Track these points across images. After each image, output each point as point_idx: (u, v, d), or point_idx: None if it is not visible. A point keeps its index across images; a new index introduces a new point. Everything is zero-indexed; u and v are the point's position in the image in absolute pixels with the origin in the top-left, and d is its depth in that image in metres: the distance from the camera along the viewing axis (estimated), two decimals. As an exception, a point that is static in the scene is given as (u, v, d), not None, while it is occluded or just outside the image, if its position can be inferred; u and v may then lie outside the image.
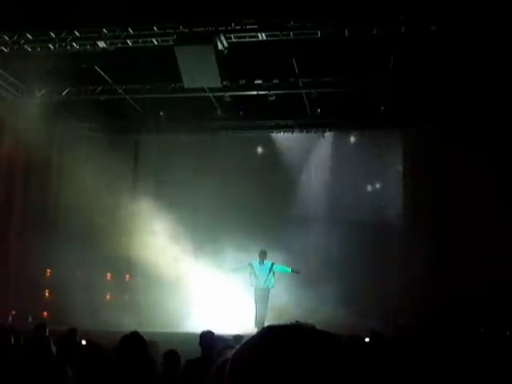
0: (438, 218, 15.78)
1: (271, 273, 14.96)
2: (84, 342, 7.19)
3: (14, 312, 15.52)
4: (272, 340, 1.18)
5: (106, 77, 15.44)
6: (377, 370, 3.30)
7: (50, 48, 13.78)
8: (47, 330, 8.02)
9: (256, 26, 12.90)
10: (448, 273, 15.19)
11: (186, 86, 14.04)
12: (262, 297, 14.85)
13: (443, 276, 15.19)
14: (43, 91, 15.82)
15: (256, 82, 15.36)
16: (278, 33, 12.90)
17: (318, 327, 1.25)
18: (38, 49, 13.86)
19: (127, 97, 16.50)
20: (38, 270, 16.25)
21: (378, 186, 17.33)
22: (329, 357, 1.16)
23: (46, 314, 16.28)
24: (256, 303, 14.90)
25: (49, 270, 16.98)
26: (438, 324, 13.46)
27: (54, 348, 6.63)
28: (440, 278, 15.21)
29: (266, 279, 14.91)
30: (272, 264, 15.09)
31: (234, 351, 1.21)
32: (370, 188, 17.35)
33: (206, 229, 17.18)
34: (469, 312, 14.19)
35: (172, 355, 5.40)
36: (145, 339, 4.27)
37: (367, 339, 5.99)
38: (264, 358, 1.14)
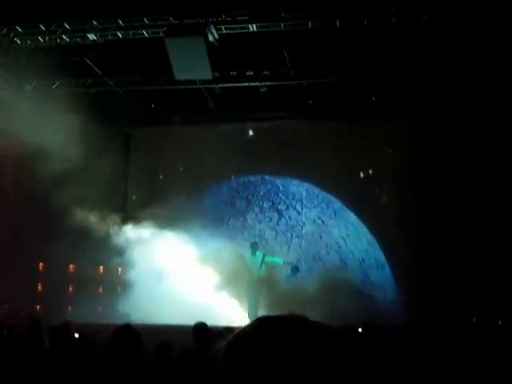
0: (425, 205, 15.83)
1: (263, 264, 15.02)
2: (77, 336, 7.18)
3: (6, 306, 15.49)
4: (264, 330, 1.18)
5: (96, 69, 15.38)
6: (370, 361, 3.30)
7: (39, 41, 13.72)
8: (40, 324, 8.01)
9: (247, 18, 12.87)
10: (439, 261, 15.22)
11: (176, 78, 14.00)
12: (255, 289, 14.89)
13: (434, 265, 15.22)
14: (34, 84, 15.75)
15: (247, 73, 15.33)
16: (269, 24, 12.88)
17: (312, 318, 1.24)
18: (28, 41, 13.80)
19: (118, 89, 16.45)
20: (30, 264, 16.22)
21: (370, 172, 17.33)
22: (321, 347, 1.16)
23: (38, 307, 16.26)
24: (248, 295, 14.95)
25: (42, 264, 16.96)
26: (431, 314, 13.50)
27: (47, 341, 6.63)
28: (431, 266, 15.24)
29: (258, 271, 14.96)
30: (263, 255, 15.16)
31: (226, 342, 1.21)
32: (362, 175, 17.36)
33: (200, 220, 17.20)
34: (461, 301, 14.25)
35: (164, 347, 5.40)
36: (138, 331, 4.27)
37: (360, 329, 6.01)
38: (256, 348, 1.14)
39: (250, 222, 17.73)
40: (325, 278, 15.63)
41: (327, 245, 17.20)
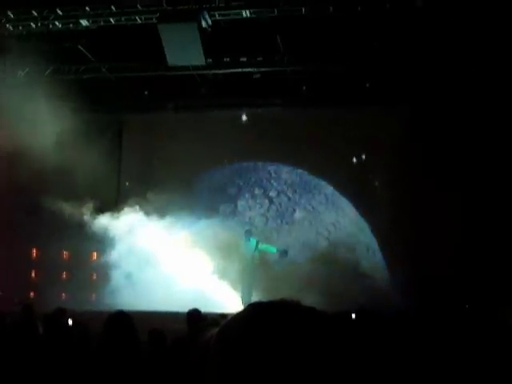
0: (419, 192, 15.87)
1: (256, 251, 15.06)
2: (71, 322, 7.18)
3: (-1, 293, 15.49)
4: (257, 316, 1.18)
5: (89, 56, 15.30)
6: (362, 347, 3.31)
7: (31, 27, 13.63)
8: (33, 311, 8.01)
9: (240, 3, 12.81)
10: (433, 247, 15.27)
11: (169, 64, 13.95)
12: (248, 275, 14.92)
13: (428, 251, 15.27)
14: (26, 70, 15.66)
15: (241, 59, 15.28)
16: (263, 10, 12.82)
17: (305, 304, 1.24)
18: (20, 28, 13.71)
19: (111, 76, 16.38)
20: (23, 251, 16.21)
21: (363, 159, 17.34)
22: (313, 333, 1.16)
23: (32, 294, 16.26)
24: (242, 281, 15.00)
25: (35, 251, 16.95)
26: (423, 300, 13.54)
27: (40, 328, 6.62)
28: (424, 252, 15.29)
29: (252, 257, 15.00)
30: (257, 242, 15.20)
31: (218, 328, 1.21)
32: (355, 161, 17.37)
33: (192, 206, 17.21)
34: (454, 287, 14.30)
35: (157, 334, 5.40)
36: (131, 318, 4.27)
37: (353, 315, 6.02)
38: (249, 333, 1.14)
39: (240, 208, 17.79)
40: (314, 265, 15.63)
41: (317, 231, 17.25)
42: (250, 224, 17.22)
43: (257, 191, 17.90)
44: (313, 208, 17.54)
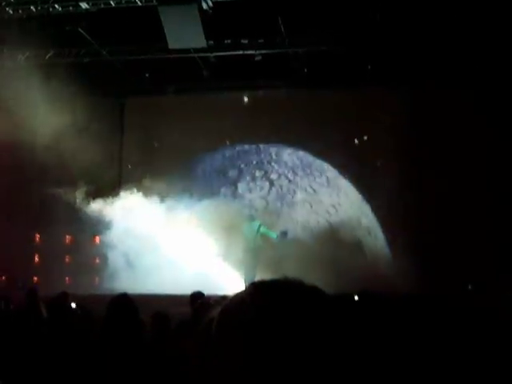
0: (422, 174, 15.87)
1: (258, 234, 15.11)
2: (74, 306, 7.19)
3: (3, 277, 15.53)
4: (258, 295, 1.17)
5: (89, 39, 15.23)
6: (365, 328, 3.31)
7: (31, 10, 13.56)
8: (37, 295, 8.02)
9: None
10: (435, 229, 15.27)
11: (170, 47, 13.89)
12: (251, 257, 14.96)
13: (431, 233, 15.26)
14: (27, 54, 15.61)
15: (242, 41, 15.20)
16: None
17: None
18: (20, 11, 13.64)
19: (112, 59, 16.32)
20: (27, 236, 16.23)
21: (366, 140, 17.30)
22: (316, 311, 1.15)
23: (36, 279, 16.30)
24: (245, 263, 15.03)
25: (38, 236, 16.97)
26: (426, 282, 13.54)
27: (44, 312, 6.64)
28: (427, 235, 15.28)
29: (254, 239, 15.05)
30: (259, 225, 15.24)
31: (220, 308, 1.20)
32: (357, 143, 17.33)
33: (196, 188, 17.25)
34: (457, 269, 14.31)
35: (161, 317, 5.41)
36: (133, 301, 4.27)
37: (356, 297, 6.02)
38: (250, 312, 1.13)
39: (240, 191, 17.79)
40: (316, 247, 15.59)
41: (317, 213, 17.25)
42: (250, 206, 17.25)
43: (257, 174, 17.90)
44: (314, 190, 17.54)
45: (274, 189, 17.71)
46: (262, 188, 17.75)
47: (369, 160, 16.95)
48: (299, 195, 17.50)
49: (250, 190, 17.77)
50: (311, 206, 17.36)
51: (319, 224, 17.08)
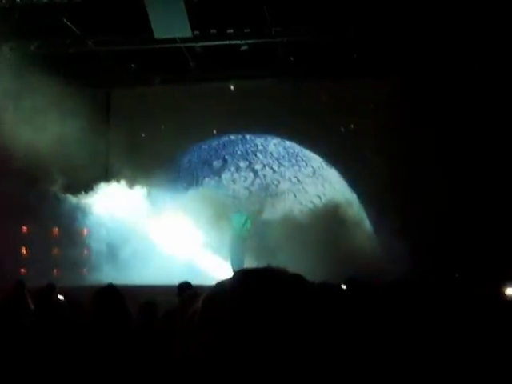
0: (409, 163, 15.93)
1: (247, 223, 15.17)
2: (61, 298, 7.18)
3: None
4: (241, 283, 1.17)
5: (74, 29, 15.13)
6: (351, 317, 3.31)
7: (16, 1, 13.45)
8: (25, 287, 8.00)
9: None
10: (422, 218, 15.34)
11: (156, 37, 13.83)
12: (239, 247, 14.99)
13: (418, 222, 15.34)
14: (11, 45, 15.49)
15: (228, 31, 15.14)
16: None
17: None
18: (3, 1, 13.52)
19: (97, 49, 16.22)
20: (14, 227, 16.15)
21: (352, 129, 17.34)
22: (300, 300, 1.15)
23: (23, 270, 16.24)
24: (232, 254, 15.06)
25: (25, 227, 16.89)
26: (413, 271, 13.58)
27: (31, 304, 6.63)
28: (413, 222, 15.36)
29: (242, 229, 15.10)
30: (246, 219, 15.36)
31: (203, 297, 1.20)
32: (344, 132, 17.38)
33: (181, 179, 17.26)
34: (444, 257, 14.39)
35: (148, 307, 5.41)
36: (120, 292, 4.27)
37: (343, 286, 6.03)
38: (232, 300, 1.14)
39: (224, 181, 17.81)
40: (299, 236, 15.49)
41: (301, 203, 17.29)
42: (233, 197, 17.30)
43: (242, 164, 17.94)
44: (298, 180, 17.59)
45: (257, 179, 17.76)
46: (245, 178, 17.78)
47: (356, 150, 16.99)
48: (283, 185, 17.54)
49: (234, 181, 17.80)
50: (295, 196, 17.41)
51: (302, 213, 17.07)
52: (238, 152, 18.03)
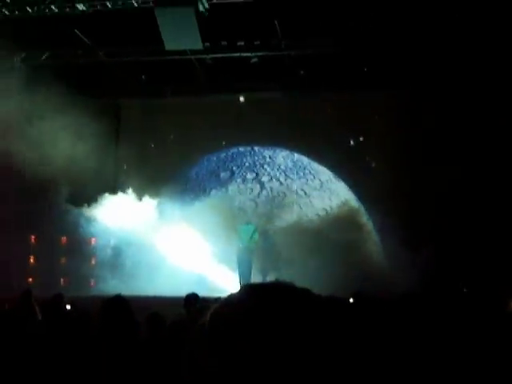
0: (417, 175, 15.93)
1: (254, 235, 15.19)
2: (69, 307, 7.20)
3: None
4: (249, 297, 1.18)
5: (85, 40, 15.22)
6: (358, 331, 3.31)
7: (28, 11, 13.53)
8: (32, 297, 8.01)
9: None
10: (430, 232, 15.30)
11: (166, 49, 13.88)
12: (246, 259, 14.99)
13: (425, 235, 15.29)
14: (23, 55, 15.60)
15: (238, 43, 15.20)
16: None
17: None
18: (16, 12, 13.62)
19: (108, 60, 16.31)
20: (22, 236, 16.17)
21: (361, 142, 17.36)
22: (308, 314, 1.16)
23: (31, 280, 16.26)
24: (240, 265, 15.05)
25: (33, 236, 16.93)
26: (420, 285, 13.53)
27: (39, 314, 6.63)
28: (421, 236, 15.31)
29: (249, 240, 15.12)
30: (255, 230, 15.36)
31: (211, 310, 1.21)
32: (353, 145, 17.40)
33: (189, 191, 17.30)
34: (451, 272, 14.33)
35: (155, 318, 5.41)
36: (128, 302, 4.27)
37: (351, 299, 6.02)
38: (241, 314, 1.14)
39: (231, 193, 17.82)
40: (307, 248, 15.42)
41: (307, 215, 17.26)
42: (239, 209, 17.30)
43: (249, 176, 17.95)
44: (305, 193, 17.56)
45: (264, 191, 17.75)
46: (252, 190, 17.79)
47: (364, 162, 16.98)
48: (289, 197, 17.52)
49: (241, 192, 17.81)
50: (301, 208, 17.39)
51: (308, 227, 16.97)
52: (246, 164, 18.06)
